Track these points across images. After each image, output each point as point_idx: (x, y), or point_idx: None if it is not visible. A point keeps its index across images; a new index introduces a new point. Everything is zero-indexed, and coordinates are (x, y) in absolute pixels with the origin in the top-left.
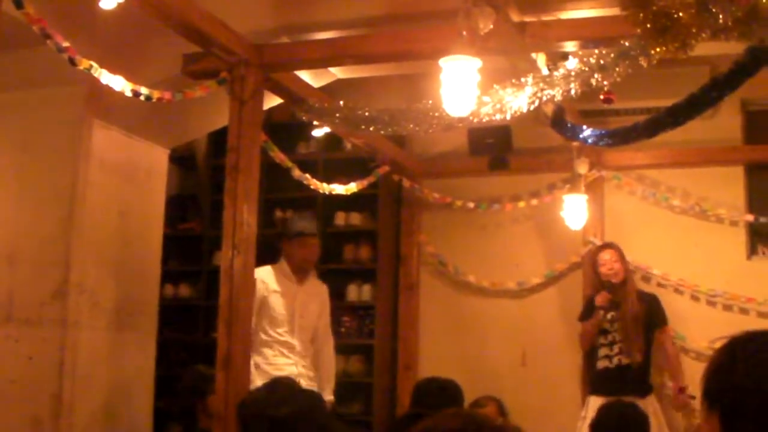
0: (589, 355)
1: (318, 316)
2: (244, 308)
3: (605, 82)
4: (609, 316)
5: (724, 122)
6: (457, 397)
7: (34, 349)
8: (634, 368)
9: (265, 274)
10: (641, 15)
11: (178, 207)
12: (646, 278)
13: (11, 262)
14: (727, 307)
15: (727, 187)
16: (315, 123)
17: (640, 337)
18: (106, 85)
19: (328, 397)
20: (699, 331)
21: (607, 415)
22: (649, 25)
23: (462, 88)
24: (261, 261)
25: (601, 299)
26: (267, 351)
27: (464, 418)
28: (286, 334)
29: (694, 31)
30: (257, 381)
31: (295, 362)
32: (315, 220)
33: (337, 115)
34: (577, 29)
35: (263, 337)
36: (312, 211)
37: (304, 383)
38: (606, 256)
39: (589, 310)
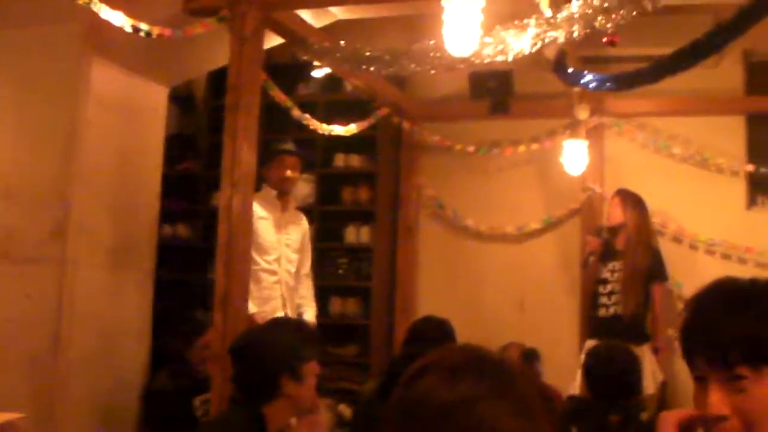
0: (590, 301)
1: (300, 246)
2: (242, 248)
3: (608, 25)
4: (611, 265)
5: (727, 72)
6: (451, 336)
7: (32, 287)
8: (629, 318)
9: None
10: None
11: (176, 147)
12: (651, 230)
13: (9, 200)
14: (726, 257)
15: (728, 137)
16: (315, 63)
17: (639, 289)
18: (106, 21)
19: (310, 318)
20: (697, 279)
21: (595, 356)
22: None
23: (464, 27)
24: None
25: (590, 245)
26: (251, 281)
27: (468, 351)
28: (274, 263)
29: None
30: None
31: (280, 294)
32: (292, 142)
33: (338, 54)
34: None
35: (252, 265)
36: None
37: (288, 313)
38: (613, 200)
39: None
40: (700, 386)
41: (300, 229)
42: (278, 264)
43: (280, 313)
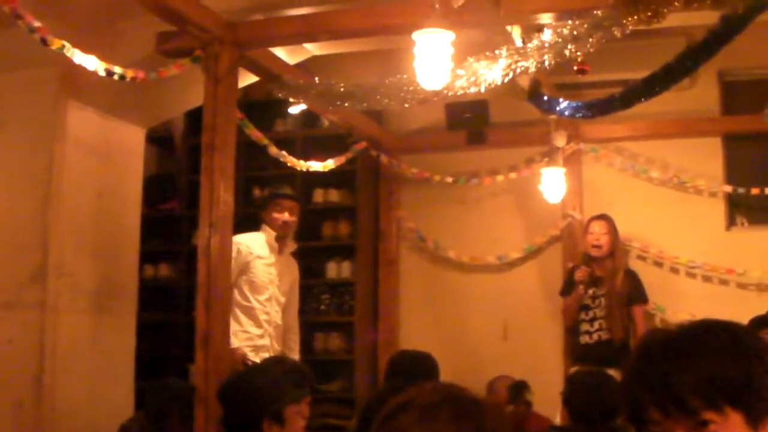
0: (572, 330)
1: (290, 291)
2: (222, 287)
3: (579, 53)
4: (591, 291)
5: (702, 93)
6: (432, 369)
7: (13, 333)
8: (615, 344)
9: (248, 240)
10: None
11: (156, 187)
12: (626, 252)
13: None
14: (707, 279)
15: (706, 159)
16: (291, 100)
17: (623, 313)
18: (80, 66)
19: None
20: (679, 302)
21: (575, 383)
22: None
23: (436, 61)
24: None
25: (580, 274)
26: (243, 317)
27: (443, 391)
28: (266, 303)
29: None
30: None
31: (268, 333)
32: (292, 188)
33: (313, 91)
34: (552, 1)
35: (242, 301)
36: (286, 186)
37: (271, 354)
38: (596, 227)
39: (569, 284)
40: None
41: (291, 276)
42: (269, 304)
43: (264, 354)
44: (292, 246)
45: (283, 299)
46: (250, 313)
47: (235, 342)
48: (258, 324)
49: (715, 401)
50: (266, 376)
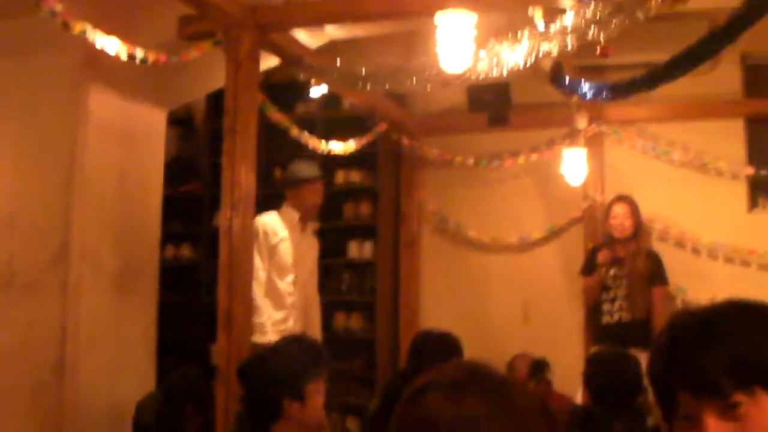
0: (593, 311)
1: (311, 270)
2: (244, 268)
3: (601, 36)
4: (612, 272)
5: (724, 76)
6: (456, 349)
7: (35, 314)
8: (637, 324)
9: (272, 221)
10: None
11: (177, 169)
12: (648, 233)
13: (11, 228)
14: (729, 260)
15: (728, 141)
16: (313, 82)
17: (644, 294)
18: (102, 50)
19: None
20: (701, 284)
21: (595, 363)
22: None
23: (458, 43)
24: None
25: (602, 256)
26: (268, 300)
27: (469, 369)
28: (292, 284)
29: None
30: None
31: (292, 316)
32: (322, 159)
33: (335, 73)
34: None
35: (268, 284)
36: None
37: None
38: (619, 209)
39: (591, 264)
40: (685, 425)
41: (313, 254)
42: (295, 286)
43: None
44: (313, 225)
45: (307, 278)
46: (275, 294)
47: (261, 336)
48: (283, 306)
49: (746, 382)
50: (286, 355)
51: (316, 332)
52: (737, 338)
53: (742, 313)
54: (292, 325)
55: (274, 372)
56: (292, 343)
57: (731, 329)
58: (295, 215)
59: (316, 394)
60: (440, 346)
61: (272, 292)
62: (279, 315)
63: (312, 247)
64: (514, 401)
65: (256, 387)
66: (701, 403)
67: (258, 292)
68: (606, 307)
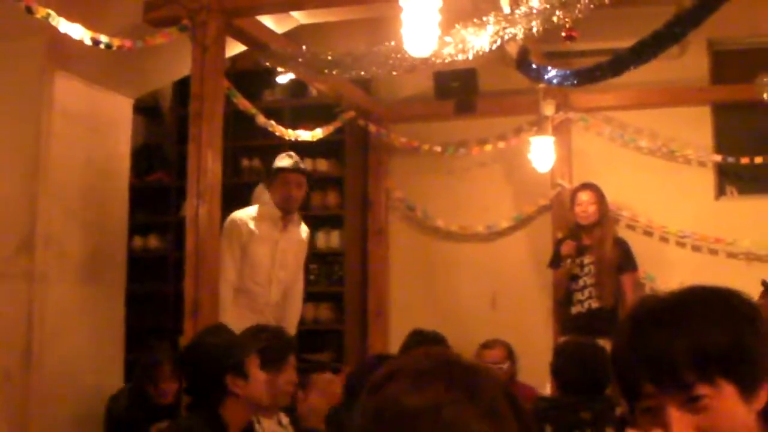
0: (563, 300)
1: (294, 268)
2: (210, 256)
3: (567, 20)
4: (578, 261)
5: (691, 63)
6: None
7: (1, 304)
8: (605, 312)
9: (246, 217)
10: None
11: (145, 157)
12: (615, 220)
13: None
14: (696, 248)
15: (695, 128)
16: (279, 69)
17: (612, 281)
18: (67, 36)
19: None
20: (669, 272)
21: (562, 353)
22: None
23: (423, 27)
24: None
25: (566, 248)
26: (241, 299)
27: (434, 357)
28: (266, 285)
29: None
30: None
31: (265, 318)
32: (297, 158)
33: (300, 59)
34: None
35: (239, 283)
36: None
37: None
38: (583, 196)
39: (558, 257)
40: (647, 416)
41: (299, 249)
42: (270, 287)
43: None
44: (297, 221)
45: (286, 277)
46: (246, 296)
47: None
48: (254, 308)
49: (708, 372)
50: (221, 332)
51: (290, 320)
52: (697, 325)
53: (705, 299)
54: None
55: (213, 348)
56: (218, 329)
57: (692, 317)
58: (277, 212)
59: (257, 369)
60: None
61: (243, 294)
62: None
63: (297, 245)
64: (479, 388)
65: (197, 369)
66: (664, 394)
67: (225, 294)
68: (577, 296)
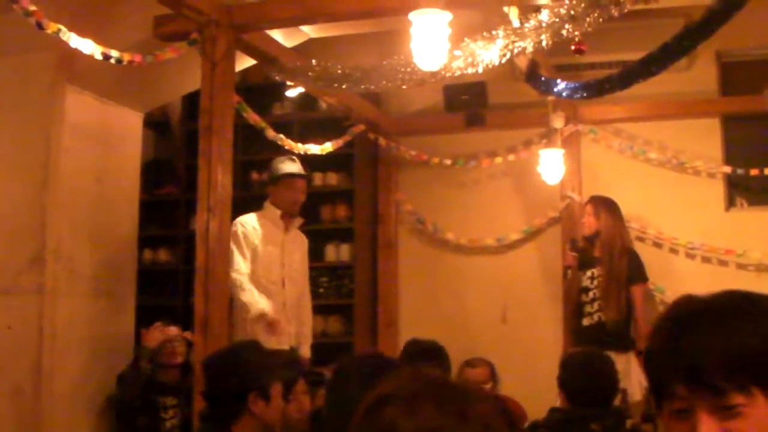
0: (574, 312)
1: (300, 269)
2: (221, 270)
3: (576, 33)
4: (590, 273)
5: (700, 74)
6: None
7: (12, 318)
8: (613, 324)
9: (253, 222)
10: None
11: (155, 172)
12: (617, 231)
13: None
14: (706, 260)
15: (704, 140)
16: (288, 83)
17: (619, 294)
18: (78, 51)
19: (305, 353)
20: (679, 283)
21: (570, 365)
22: None
23: (432, 41)
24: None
25: (567, 260)
26: (262, 295)
27: (424, 380)
28: (279, 284)
29: None
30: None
31: (283, 314)
32: (300, 161)
33: (310, 73)
34: None
35: (257, 283)
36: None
37: (288, 341)
38: (587, 209)
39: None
40: (679, 419)
41: (301, 250)
42: (283, 286)
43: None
44: (298, 221)
45: (297, 276)
46: (265, 295)
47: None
48: (275, 308)
49: (743, 380)
50: (255, 350)
51: (307, 333)
52: (735, 331)
53: (744, 304)
54: (283, 325)
55: (245, 364)
56: (251, 346)
57: (730, 321)
58: (277, 213)
59: (279, 396)
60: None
61: (262, 289)
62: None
63: (299, 246)
64: (472, 409)
65: (221, 380)
66: (696, 398)
67: (242, 280)
68: (587, 309)
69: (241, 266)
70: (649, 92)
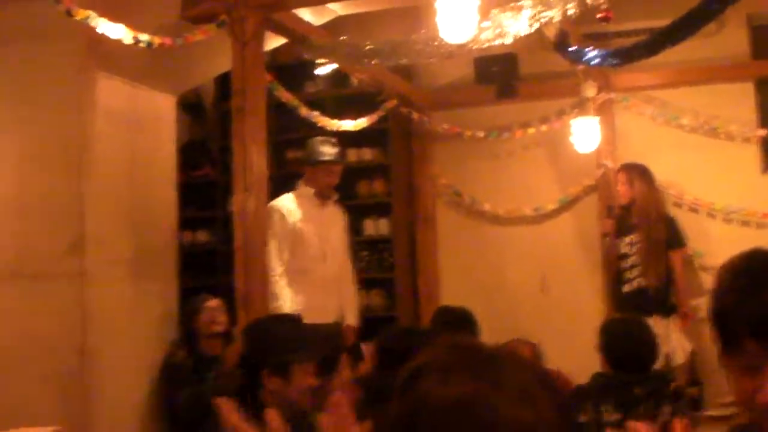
0: (614, 279)
1: (338, 243)
2: (259, 249)
3: (602, 1)
4: (628, 239)
5: (731, 39)
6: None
7: (53, 303)
8: (653, 290)
9: (289, 203)
10: None
11: (191, 154)
12: (654, 197)
13: (24, 218)
14: (744, 223)
15: (738, 104)
16: (319, 60)
17: (658, 259)
18: (106, 36)
19: (352, 322)
20: (717, 248)
21: (609, 331)
22: None
23: (461, 13)
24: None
25: (604, 228)
26: (296, 284)
27: (455, 349)
28: (321, 261)
29: None
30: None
31: (326, 291)
32: (337, 144)
33: (340, 50)
34: None
35: (296, 266)
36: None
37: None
38: (618, 178)
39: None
40: (746, 374)
41: (339, 223)
42: (323, 262)
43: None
44: (333, 195)
45: (338, 250)
46: (305, 275)
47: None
48: (304, 290)
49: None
50: (268, 330)
51: (351, 309)
52: None
53: None
54: (321, 303)
55: (255, 342)
56: (283, 321)
57: None
58: (311, 190)
59: (304, 375)
60: (458, 321)
61: (300, 275)
62: (300, 300)
63: (336, 220)
64: (507, 375)
65: (244, 350)
66: (766, 353)
67: (277, 279)
68: (626, 275)
69: (277, 266)
70: (681, 58)
